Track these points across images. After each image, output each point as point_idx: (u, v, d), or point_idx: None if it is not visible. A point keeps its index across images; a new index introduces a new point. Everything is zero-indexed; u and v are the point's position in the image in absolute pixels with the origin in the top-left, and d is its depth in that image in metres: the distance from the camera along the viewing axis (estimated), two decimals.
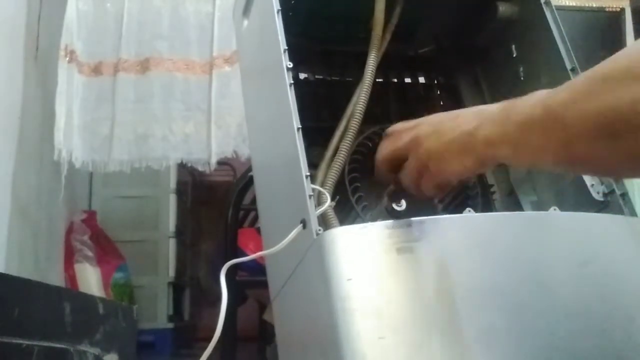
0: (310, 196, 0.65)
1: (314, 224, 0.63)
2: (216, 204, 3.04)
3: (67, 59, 1.80)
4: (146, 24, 1.89)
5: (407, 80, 1.06)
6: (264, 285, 0.89)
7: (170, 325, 2.61)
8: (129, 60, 1.87)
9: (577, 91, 0.50)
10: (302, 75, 0.97)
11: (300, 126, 0.69)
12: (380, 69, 0.84)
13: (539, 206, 0.87)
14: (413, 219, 0.61)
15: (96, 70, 1.88)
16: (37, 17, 1.91)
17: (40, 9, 1.92)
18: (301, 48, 0.83)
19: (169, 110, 1.86)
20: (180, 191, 2.79)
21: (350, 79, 0.94)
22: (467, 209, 0.75)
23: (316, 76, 0.99)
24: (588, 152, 0.49)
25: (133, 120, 1.85)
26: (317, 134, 0.84)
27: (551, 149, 0.52)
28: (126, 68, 1.87)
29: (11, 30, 1.80)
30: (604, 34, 2.42)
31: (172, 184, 2.71)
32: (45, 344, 0.92)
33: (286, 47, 0.73)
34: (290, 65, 0.72)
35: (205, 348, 0.69)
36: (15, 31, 1.82)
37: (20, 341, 0.87)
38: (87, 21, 1.87)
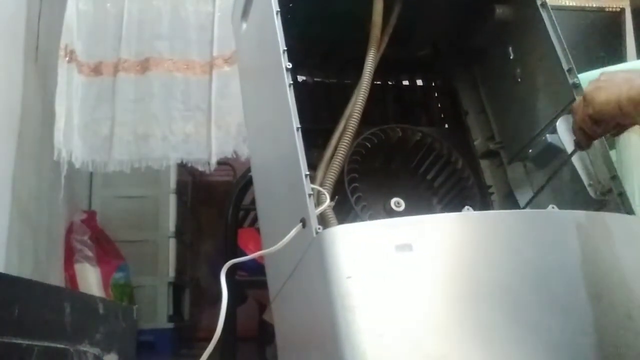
0: (309, 195, 0.65)
1: (313, 222, 0.63)
2: (216, 204, 3.04)
3: (67, 59, 1.80)
4: (146, 24, 1.89)
5: (405, 82, 1.06)
6: (264, 285, 0.90)
7: (170, 325, 2.61)
8: (129, 60, 1.87)
9: None
10: (300, 78, 0.97)
11: (299, 126, 0.69)
12: (378, 72, 0.84)
13: (537, 205, 0.87)
14: (412, 217, 0.62)
15: (96, 70, 1.88)
16: (37, 17, 1.91)
17: (40, 9, 1.92)
18: (300, 51, 0.83)
19: (169, 110, 1.86)
20: (180, 191, 2.78)
21: (349, 82, 0.94)
22: (466, 207, 0.76)
23: (315, 79, 0.99)
24: None
25: (133, 120, 1.85)
26: (315, 136, 0.84)
27: None
28: (126, 68, 1.87)
29: (11, 30, 1.80)
30: (604, 34, 2.43)
31: (172, 184, 2.71)
32: (45, 344, 0.92)
33: (285, 48, 0.73)
34: (290, 65, 0.72)
35: (205, 348, 0.69)
36: (15, 31, 1.81)
37: (20, 341, 0.87)
38: (87, 21, 1.87)
